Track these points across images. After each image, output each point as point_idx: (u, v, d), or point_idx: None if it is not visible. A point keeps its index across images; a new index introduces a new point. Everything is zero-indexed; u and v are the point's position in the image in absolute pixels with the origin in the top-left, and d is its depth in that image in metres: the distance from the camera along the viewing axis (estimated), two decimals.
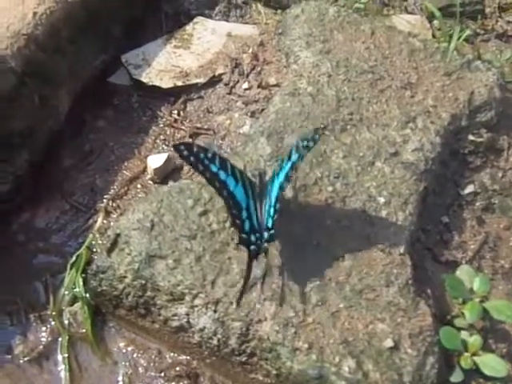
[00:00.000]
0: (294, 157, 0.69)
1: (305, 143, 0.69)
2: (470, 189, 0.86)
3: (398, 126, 0.84)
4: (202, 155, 0.70)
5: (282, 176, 0.70)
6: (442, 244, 0.82)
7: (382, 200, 0.77)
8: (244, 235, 0.69)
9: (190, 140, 0.91)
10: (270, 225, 0.69)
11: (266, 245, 0.69)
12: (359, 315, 0.67)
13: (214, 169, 0.70)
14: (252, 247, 0.69)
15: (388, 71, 0.90)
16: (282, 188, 0.70)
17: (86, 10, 0.92)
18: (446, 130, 0.85)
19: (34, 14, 0.85)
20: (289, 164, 0.69)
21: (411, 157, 0.81)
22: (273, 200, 0.70)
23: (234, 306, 0.68)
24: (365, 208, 0.76)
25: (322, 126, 0.82)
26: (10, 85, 0.81)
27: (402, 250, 0.73)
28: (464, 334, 0.70)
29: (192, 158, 0.70)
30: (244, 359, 0.68)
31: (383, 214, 0.76)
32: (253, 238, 0.69)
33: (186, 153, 0.69)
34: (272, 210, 0.69)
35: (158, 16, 1.06)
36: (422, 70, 0.91)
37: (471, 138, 0.88)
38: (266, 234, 0.69)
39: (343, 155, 0.80)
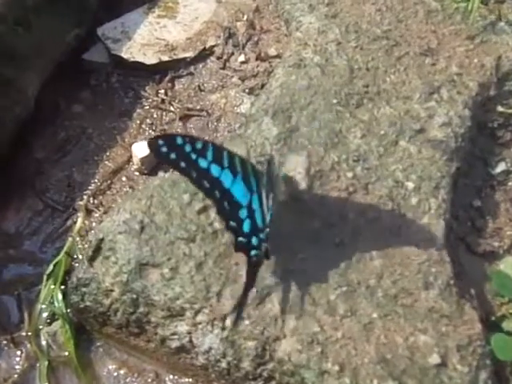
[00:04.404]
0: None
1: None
2: (501, 167, 0.78)
3: (422, 99, 0.75)
4: (188, 148, 0.57)
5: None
6: (476, 232, 0.73)
7: (410, 185, 0.67)
8: (242, 239, 0.58)
9: (181, 124, 0.83)
10: (267, 221, 0.58)
11: (264, 245, 0.57)
12: (396, 326, 0.57)
13: (203, 164, 0.58)
14: (253, 252, 0.58)
15: (404, 36, 0.81)
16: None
17: None
18: (475, 101, 0.76)
19: None
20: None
21: (439, 133, 0.72)
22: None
23: (230, 326, 0.58)
24: (392, 196, 0.66)
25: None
26: None
27: (438, 244, 0.63)
28: None
29: (173, 156, 0.57)
30: None
31: (413, 201, 0.66)
32: (254, 240, 0.58)
33: (164, 149, 0.56)
34: (271, 203, 0.58)
35: None
36: (442, 33, 0.82)
37: (500, 109, 0.79)
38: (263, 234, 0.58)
39: (362, 134, 0.71)
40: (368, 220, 0.64)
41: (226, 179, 0.59)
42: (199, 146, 0.58)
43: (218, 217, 0.61)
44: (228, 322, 0.58)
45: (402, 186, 0.67)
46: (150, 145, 0.57)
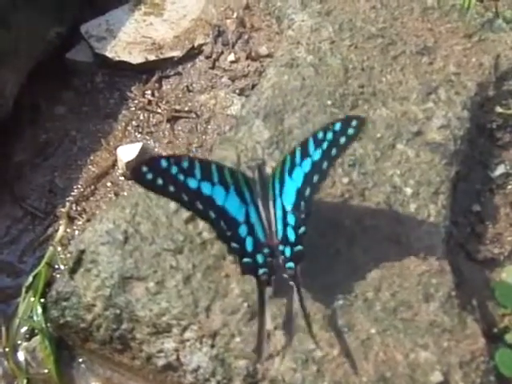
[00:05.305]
0: (316, 154, 0.55)
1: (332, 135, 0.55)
2: (500, 170, 0.76)
3: (419, 99, 0.72)
4: (174, 170, 0.54)
5: (298, 176, 0.56)
6: (476, 238, 0.71)
7: (408, 191, 0.65)
8: (247, 259, 0.54)
9: (168, 126, 0.80)
10: (292, 238, 0.54)
11: (290, 264, 0.54)
12: (396, 342, 0.54)
13: (193, 184, 0.54)
14: (261, 271, 0.54)
15: (400, 34, 0.79)
16: (299, 193, 0.55)
17: None
18: (473, 102, 0.74)
19: None
20: (308, 162, 0.55)
21: (437, 136, 0.69)
22: (290, 204, 0.56)
23: (256, 358, 0.54)
24: (390, 202, 0.63)
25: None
26: None
27: (439, 253, 0.61)
28: None
29: (159, 181, 0.53)
30: None
31: (412, 207, 0.64)
32: (260, 258, 0.54)
33: (150, 176, 0.53)
34: (293, 218, 0.55)
35: None
36: (439, 31, 0.80)
37: (499, 110, 0.77)
38: (287, 250, 0.54)
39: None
40: (365, 228, 0.61)
41: (219, 195, 0.56)
42: (185, 164, 0.55)
43: (219, 241, 0.57)
44: (218, 340, 0.55)
45: (400, 192, 0.65)
46: (133, 174, 0.55)
